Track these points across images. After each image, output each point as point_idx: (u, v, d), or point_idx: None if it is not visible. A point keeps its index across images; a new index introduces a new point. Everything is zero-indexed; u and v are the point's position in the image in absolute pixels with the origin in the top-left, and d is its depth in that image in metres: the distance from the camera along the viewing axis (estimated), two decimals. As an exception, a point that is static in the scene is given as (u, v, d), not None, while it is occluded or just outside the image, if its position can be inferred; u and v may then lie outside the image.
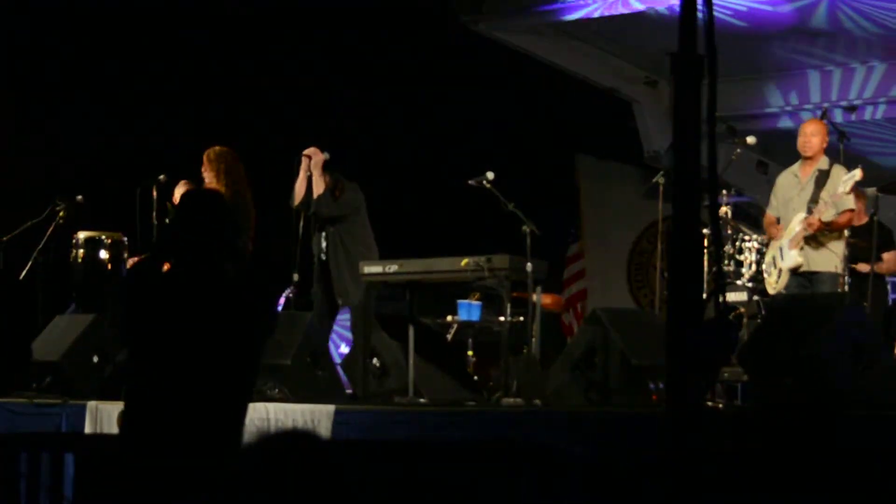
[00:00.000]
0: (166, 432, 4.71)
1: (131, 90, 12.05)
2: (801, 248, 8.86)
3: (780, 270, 8.94)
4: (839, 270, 8.87)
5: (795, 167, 9.19)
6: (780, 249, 8.95)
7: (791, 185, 9.11)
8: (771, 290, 9.04)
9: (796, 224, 8.91)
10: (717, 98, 3.38)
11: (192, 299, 4.80)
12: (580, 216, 14.33)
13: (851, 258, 9.22)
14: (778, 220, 9.15)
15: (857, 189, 9.31)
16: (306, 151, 9.52)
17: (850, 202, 8.93)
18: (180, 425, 4.71)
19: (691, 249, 3.32)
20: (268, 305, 5.14)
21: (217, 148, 8.89)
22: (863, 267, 9.51)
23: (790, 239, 8.89)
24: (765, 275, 9.10)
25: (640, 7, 11.32)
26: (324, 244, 9.52)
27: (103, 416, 8.02)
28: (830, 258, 8.87)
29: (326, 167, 9.51)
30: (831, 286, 8.77)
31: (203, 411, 4.74)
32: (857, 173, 8.68)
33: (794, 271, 8.88)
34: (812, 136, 9.05)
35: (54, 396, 8.52)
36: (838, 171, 8.98)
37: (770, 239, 9.13)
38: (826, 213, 8.84)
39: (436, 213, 12.74)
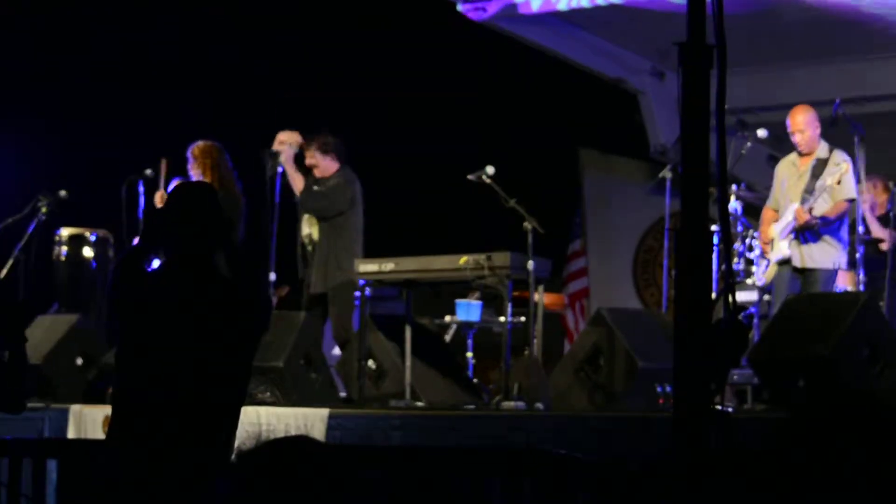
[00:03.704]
0: (155, 437, 4.60)
1: (117, 82, 11.96)
2: (790, 242, 8.65)
3: (769, 262, 8.77)
4: (837, 266, 8.63)
5: (794, 156, 8.98)
6: (773, 241, 8.78)
7: (790, 175, 8.94)
8: (758, 283, 8.98)
9: (789, 214, 8.70)
10: (726, 90, 3.27)
11: (182, 295, 4.69)
12: (584, 212, 14.24)
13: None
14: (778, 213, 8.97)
15: (882, 181, 9.15)
16: (280, 137, 9.14)
17: (846, 192, 8.65)
18: (169, 429, 4.60)
19: (700, 247, 3.40)
20: (261, 302, 5.02)
21: (202, 143, 8.83)
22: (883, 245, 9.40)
23: (782, 229, 8.69)
24: (752, 266, 8.96)
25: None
26: (307, 232, 9.23)
27: (88, 421, 8.04)
28: (828, 253, 8.64)
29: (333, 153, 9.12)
30: (825, 285, 8.55)
31: (193, 414, 4.63)
32: (844, 166, 8.45)
33: (782, 264, 8.68)
34: (806, 129, 8.79)
35: (36, 400, 8.46)
36: (837, 157, 8.75)
37: (762, 242, 8.97)
38: (819, 206, 8.59)
39: (434, 209, 12.73)
